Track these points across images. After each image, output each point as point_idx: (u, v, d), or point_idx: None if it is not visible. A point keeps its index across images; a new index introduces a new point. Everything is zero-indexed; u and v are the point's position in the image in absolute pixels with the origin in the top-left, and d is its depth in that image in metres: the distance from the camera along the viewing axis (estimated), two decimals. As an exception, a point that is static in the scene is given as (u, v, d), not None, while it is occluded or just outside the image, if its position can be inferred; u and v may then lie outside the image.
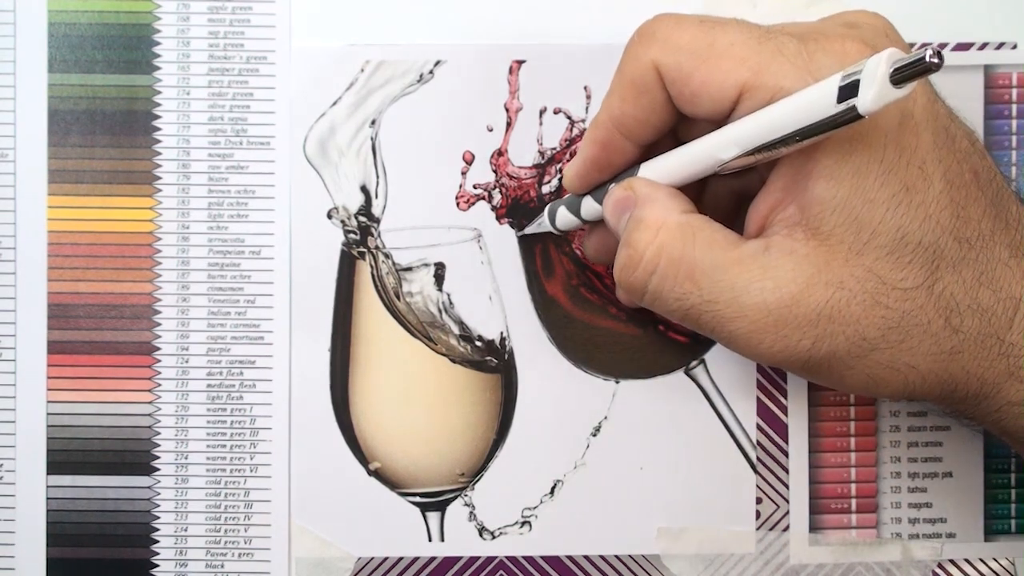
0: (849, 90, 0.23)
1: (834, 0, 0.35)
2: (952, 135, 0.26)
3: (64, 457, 0.35)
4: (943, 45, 0.35)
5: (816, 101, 0.24)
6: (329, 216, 0.35)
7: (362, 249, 0.35)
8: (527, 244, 0.35)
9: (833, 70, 0.23)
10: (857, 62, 0.23)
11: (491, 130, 0.35)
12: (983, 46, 0.35)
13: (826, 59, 0.25)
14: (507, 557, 0.36)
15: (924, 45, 0.21)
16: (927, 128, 0.25)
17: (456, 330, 0.35)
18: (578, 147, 0.36)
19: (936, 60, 0.21)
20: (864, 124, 0.24)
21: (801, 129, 0.24)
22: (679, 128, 0.29)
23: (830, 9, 0.35)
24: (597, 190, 0.31)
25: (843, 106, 0.23)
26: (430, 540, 0.35)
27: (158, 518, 0.35)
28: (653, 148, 0.30)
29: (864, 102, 0.22)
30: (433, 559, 0.36)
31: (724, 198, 0.31)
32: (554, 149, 0.35)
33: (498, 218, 0.35)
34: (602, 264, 0.35)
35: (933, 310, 0.26)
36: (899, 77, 0.22)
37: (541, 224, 0.34)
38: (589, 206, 0.31)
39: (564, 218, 0.33)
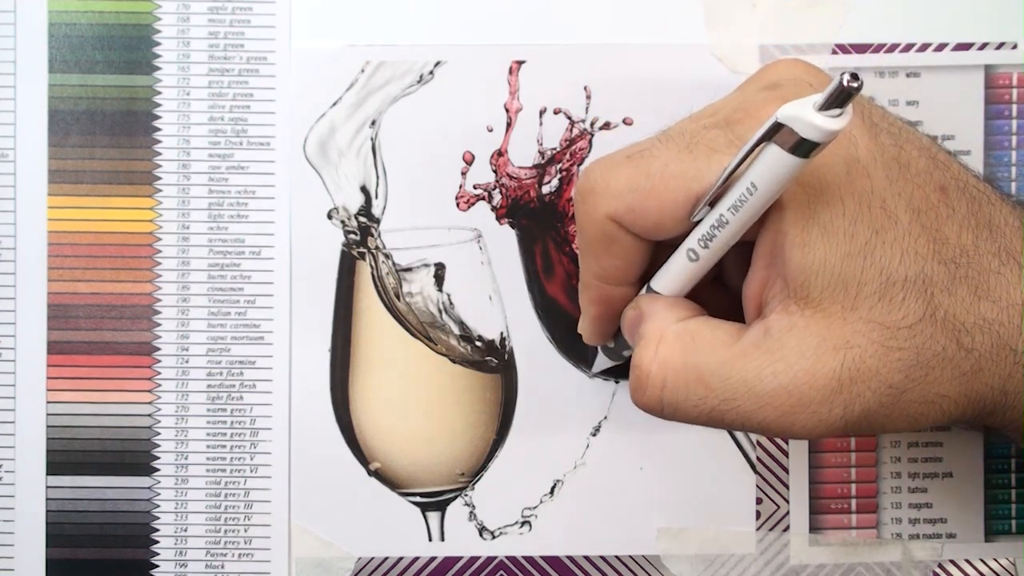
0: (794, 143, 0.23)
1: (834, 0, 0.35)
2: (904, 162, 0.26)
3: (64, 457, 0.35)
4: (943, 45, 0.35)
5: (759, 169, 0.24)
6: (329, 216, 0.35)
7: (362, 249, 0.35)
8: (527, 244, 0.35)
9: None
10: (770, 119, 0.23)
11: (491, 130, 0.35)
12: (983, 46, 0.35)
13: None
14: (507, 557, 0.36)
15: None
16: (876, 166, 0.25)
17: (456, 330, 0.35)
18: (579, 147, 0.36)
19: (855, 84, 0.21)
20: (816, 183, 0.25)
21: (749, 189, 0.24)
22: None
23: (830, 9, 0.35)
24: None
25: (794, 156, 0.23)
26: (430, 540, 0.35)
27: (158, 518, 0.35)
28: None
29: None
30: (433, 559, 0.36)
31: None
32: (554, 149, 0.35)
33: (498, 218, 0.35)
34: None
35: (943, 337, 0.26)
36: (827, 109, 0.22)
37: (604, 360, 0.33)
38: None
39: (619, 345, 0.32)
